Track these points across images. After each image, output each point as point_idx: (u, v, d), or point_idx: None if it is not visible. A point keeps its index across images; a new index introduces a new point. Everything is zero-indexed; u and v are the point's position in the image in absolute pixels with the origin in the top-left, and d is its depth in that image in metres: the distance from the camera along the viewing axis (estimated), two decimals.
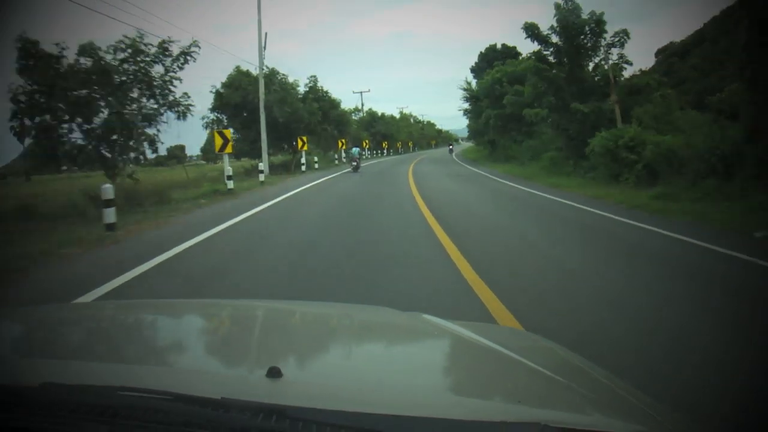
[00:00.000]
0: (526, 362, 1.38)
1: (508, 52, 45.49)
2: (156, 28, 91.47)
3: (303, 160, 28.75)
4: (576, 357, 1.54)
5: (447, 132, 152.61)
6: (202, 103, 39.17)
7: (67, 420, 0.92)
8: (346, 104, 56.93)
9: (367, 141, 52.41)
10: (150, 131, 14.69)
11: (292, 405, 0.92)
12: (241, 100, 27.30)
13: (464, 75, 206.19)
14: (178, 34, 42.64)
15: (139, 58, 13.93)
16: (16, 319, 1.75)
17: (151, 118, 14.36)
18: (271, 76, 28.27)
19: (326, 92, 33.19)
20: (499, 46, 50.09)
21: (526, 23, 21.85)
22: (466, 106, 45.69)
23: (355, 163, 28.44)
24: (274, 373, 1.03)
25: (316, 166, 31.12)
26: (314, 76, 32.35)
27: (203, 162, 49.23)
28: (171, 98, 14.68)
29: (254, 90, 26.73)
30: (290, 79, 29.57)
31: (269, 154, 29.06)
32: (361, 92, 68.02)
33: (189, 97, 14.82)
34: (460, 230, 8.97)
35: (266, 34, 26.05)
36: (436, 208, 11.69)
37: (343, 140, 40.52)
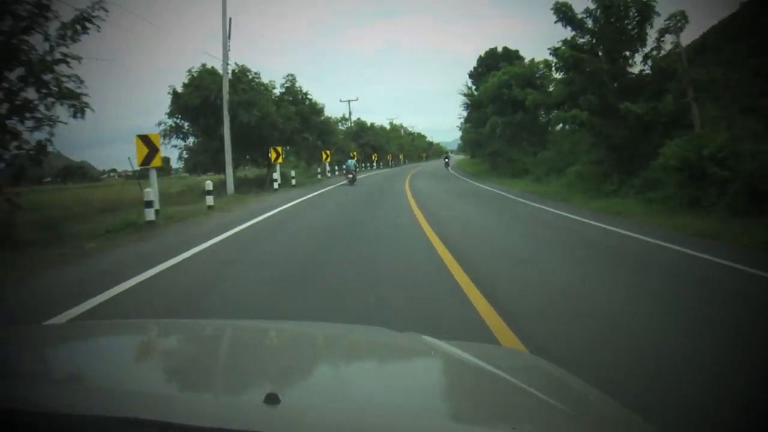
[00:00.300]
0: (522, 385, 1.40)
1: (511, 56, 41.09)
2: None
3: (276, 176, 23.85)
4: (572, 378, 1.54)
5: (438, 144, 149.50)
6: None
7: None
8: (332, 113, 52.07)
9: (355, 152, 47.59)
10: (39, 135, 9.84)
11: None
12: (202, 102, 22.41)
13: (455, 87, 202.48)
14: (138, 23, 37.40)
15: None
16: (4, 338, 1.67)
17: (23, 112, 9.42)
18: (240, 74, 23.42)
19: (306, 94, 28.30)
20: (500, 49, 45.71)
21: (556, 3, 17.30)
22: (465, 113, 41.16)
23: (351, 176, 27.33)
24: (272, 399, 1.01)
25: (294, 182, 26.10)
26: (292, 75, 27.48)
27: (186, 174, 43.16)
28: (61, 87, 9.80)
29: (219, 89, 21.89)
30: (265, 81, 24.75)
31: (237, 168, 24.15)
32: (348, 101, 61.79)
33: (82, 82, 9.92)
34: (528, 310, 4.61)
35: (230, 19, 21.19)
36: (466, 258, 6.93)
37: (328, 151, 35.69)
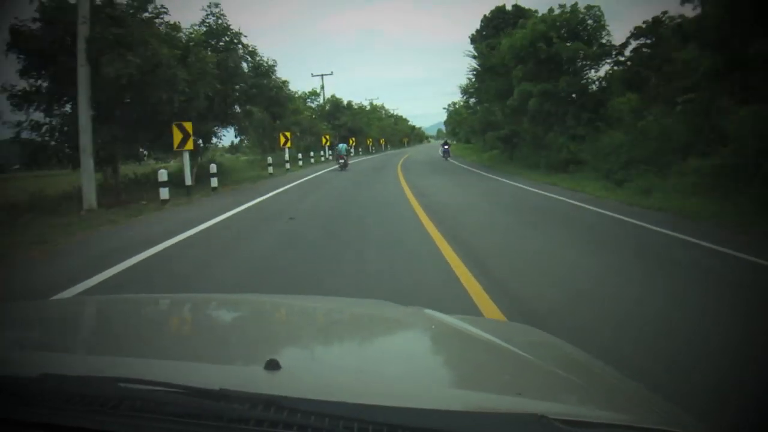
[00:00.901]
0: (526, 356, 1.38)
1: (523, 15, 31.63)
2: None
3: (184, 172, 14.04)
4: (577, 351, 1.54)
5: (420, 129, 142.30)
6: None
7: (67, 411, 0.90)
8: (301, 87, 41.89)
9: (327, 136, 37.62)
10: None
11: (290, 396, 0.90)
12: (54, 43, 12.51)
13: (436, 74, 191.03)
14: None
15: None
16: (14, 313, 1.74)
17: None
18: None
19: (247, 46, 17.99)
20: (509, 7, 36.21)
21: None
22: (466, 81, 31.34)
23: (342, 161, 25.29)
24: (272, 365, 1.02)
25: (215, 184, 15.54)
26: (216, 4, 16.98)
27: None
28: None
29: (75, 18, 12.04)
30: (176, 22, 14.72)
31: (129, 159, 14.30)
32: (322, 75, 47.92)
33: None
34: None
35: None
36: None
37: (287, 134, 25.64)
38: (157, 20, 13.57)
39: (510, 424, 0.86)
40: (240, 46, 17.07)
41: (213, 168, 15.56)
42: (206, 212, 10.53)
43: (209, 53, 14.59)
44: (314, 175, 22.25)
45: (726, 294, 5.11)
